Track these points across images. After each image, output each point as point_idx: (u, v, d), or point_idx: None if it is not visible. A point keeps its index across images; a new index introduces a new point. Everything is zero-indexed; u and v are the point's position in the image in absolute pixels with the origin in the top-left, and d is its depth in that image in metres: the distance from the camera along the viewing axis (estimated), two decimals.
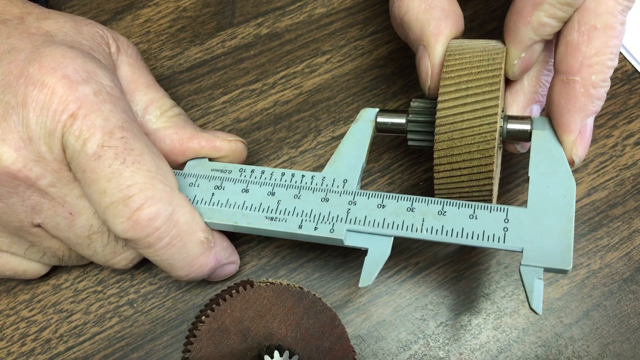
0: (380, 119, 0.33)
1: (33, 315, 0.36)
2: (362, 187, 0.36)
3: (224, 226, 0.32)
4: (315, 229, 0.30)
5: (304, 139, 0.40)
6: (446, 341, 0.35)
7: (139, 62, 0.34)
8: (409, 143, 0.33)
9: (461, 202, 0.30)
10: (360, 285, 0.28)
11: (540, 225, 0.28)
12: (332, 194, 0.31)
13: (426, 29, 0.31)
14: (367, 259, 0.29)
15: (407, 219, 0.29)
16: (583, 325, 0.35)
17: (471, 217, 0.29)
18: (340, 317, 0.35)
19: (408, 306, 0.36)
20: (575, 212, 0.37)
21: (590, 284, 0.36)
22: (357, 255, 0.37)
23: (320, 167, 0.38)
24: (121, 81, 0.33)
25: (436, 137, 0.29)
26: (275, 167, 0.39)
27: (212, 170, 0.33)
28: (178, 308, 0.36)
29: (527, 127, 0.31)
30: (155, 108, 0.34)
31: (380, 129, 0.34)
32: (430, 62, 0.31)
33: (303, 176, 0.32)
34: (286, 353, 0.29)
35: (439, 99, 0.29)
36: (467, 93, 0.29)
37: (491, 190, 0.30)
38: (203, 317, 0.30)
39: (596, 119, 0.39)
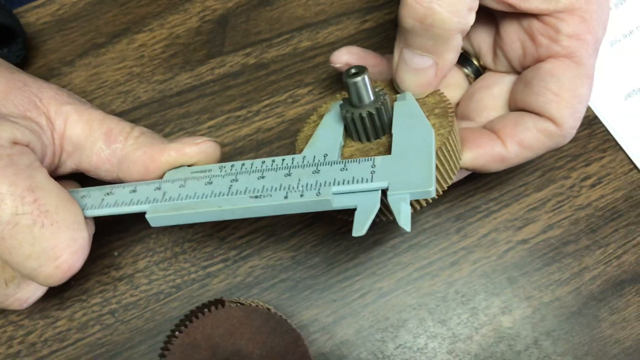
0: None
1: (20, 320, 0.39)
2: None
3: (207, 214, 0.31)
4: (301, 196, 0.30)
5: None
6: None
7: (82, 106, 0.35)
8: None
9: (335, 160, 0.32)
10: (353, 234, 0.28)
11: (403, 164, 0.30)
12: (313, 167, 0.32)
13: None
14: (357, 212, 0.29)
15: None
16: (531, 353, 0.38)
17: (342, 169, 0.31)
18: (306, 335, 0.38)
19: (370, 328, 0.38)
20: (531, 247, 0.40)
21: (541, 315, 0.39)
22: (326, 278, 0.39)
23: None
24: (75, 130, 0.34)
25: None
26: None
27: (193, 172, 0.34)
28: (156, 319, 0.39)
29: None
30: (117, 134, 0.34)
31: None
32: None
33: (283, 159, 0.33)
34: None
35: None
36: None
37: None
38: (177, 332, 0.33)
39: (556, 160, 0.42)
